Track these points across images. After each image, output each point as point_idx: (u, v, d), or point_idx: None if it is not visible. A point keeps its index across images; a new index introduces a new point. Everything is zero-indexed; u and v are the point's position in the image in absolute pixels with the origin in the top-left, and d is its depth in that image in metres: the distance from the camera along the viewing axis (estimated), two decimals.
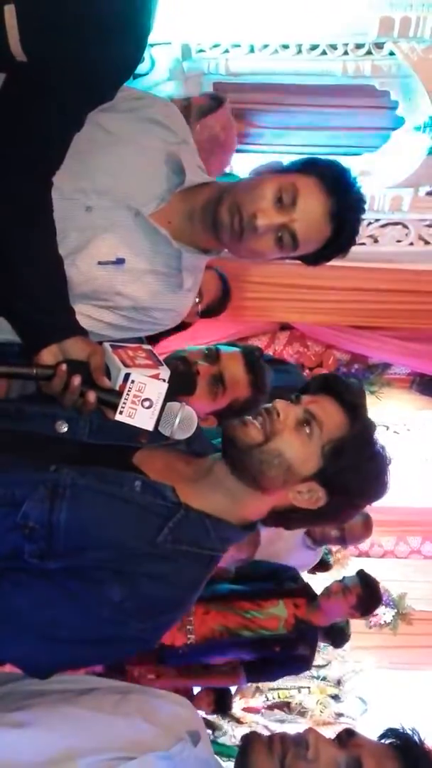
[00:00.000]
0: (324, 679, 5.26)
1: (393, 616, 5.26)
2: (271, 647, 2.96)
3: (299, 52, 3.10)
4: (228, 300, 2.94)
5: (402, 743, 0.98)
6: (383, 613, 5.24)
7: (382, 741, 1.00)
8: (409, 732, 1.00)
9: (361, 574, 3.30)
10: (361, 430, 1.17)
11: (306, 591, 3.16)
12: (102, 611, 1.10)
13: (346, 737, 0.98)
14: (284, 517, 1.22)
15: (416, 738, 0.99)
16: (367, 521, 3.52)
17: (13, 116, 1.16)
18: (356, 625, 5.01)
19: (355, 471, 1.16)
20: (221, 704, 3.73)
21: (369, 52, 3.09)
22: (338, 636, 3.77)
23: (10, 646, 1.14)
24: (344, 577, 3.32)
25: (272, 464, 1.14)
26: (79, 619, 1.11)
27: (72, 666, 1.18)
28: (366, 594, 3.23)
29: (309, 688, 4.99)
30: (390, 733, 1.00)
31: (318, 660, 5.24)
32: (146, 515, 1.14)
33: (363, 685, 5.23)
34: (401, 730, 1.00)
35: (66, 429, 1.22)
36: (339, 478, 1.16)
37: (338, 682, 5.28)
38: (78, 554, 1.11)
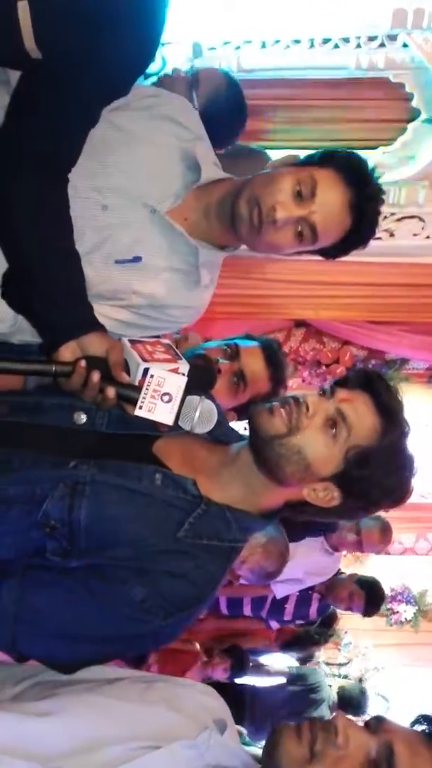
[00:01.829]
0: (345, 677, 5.24)
1: (414, 614, 5.22)
2: None
3: (311, 46, 3.10)
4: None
5: None
6: (404, 611, 5.21)
7: (414, 727, 0.99)
8: None
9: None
10: (391, 441, 1.12)
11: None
12: (123, 610, 1.11)
13: (376, 723, 0.97)
14: (295, 510, 1.20)
15: None
16: (384, 529, 3.51)
17: (29, 112, 1.17)
18: (377, 622, 5.00)
19: (376, 482, 1.13)
20: (237, 667, 3.84)
21: (382, 45, 3.07)
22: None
23: (34, 644, 1.15)
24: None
25: (291, 460, 1.12)
26: (101, 618, 1.11)
27: (94, 661, 1.18)
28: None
29: (330, 686, 4.97)
30: (422, 719, 0.99)
31: (339, 658, 5.23)
32: (166, 510, 1.14)
33: (384, 683, 5.20)
34: None
35: (85, 420, 1.21)
36: (358, 485, 1.13)
37: (359, 680, 5.26)
38: (99, 552, 1.12)
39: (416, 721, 0.99)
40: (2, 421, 1.23)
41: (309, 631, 4.24)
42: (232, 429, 1.31)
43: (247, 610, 3.68)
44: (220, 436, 1.25)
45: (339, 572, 3.79)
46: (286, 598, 3.58)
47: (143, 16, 1.14)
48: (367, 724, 0.99)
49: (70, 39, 1.12)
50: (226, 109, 2.42)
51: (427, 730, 0.98)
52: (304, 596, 3.64)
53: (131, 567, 1.11)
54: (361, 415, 1.12)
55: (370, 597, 3.65)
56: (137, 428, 1.19)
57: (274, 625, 3.90)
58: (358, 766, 0.93)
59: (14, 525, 1.12)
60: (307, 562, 3.34)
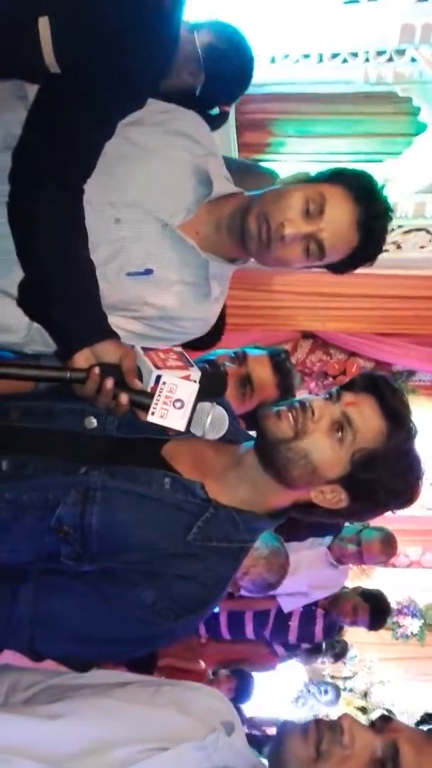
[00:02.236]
0: (350, 690, 5.21)
1: (420, 627, 5.20)
2: None
3: (320, 60, 3.13)
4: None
5: None
6: (410, 624, 5.19)
7: (419, 727, 1.00)
8: None
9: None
10: (397, 443, 1.13)
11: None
12: (135, 612, 1.13)
13: (382, 723, 0.98)
14: (303, 511, 1.22)
15: None
16: (386, 540, 3.44)
17: (47, 124, 1.20)
18: (382, 636, 4.98)
19: (383, 485, 1.14)
20: (242, 689, 3.71)
21: (390, 59, 3.10)
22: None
23: (50, 645, 1.17)
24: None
25: (297, 463, 1.13)
26: (113, 620, 1.14)
27: (107, 660, 1.21)
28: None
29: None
30: (428, 718, 1.00)
31: (345, 671, 5.20)
32: (176, 513, 1.16)
33: (390, 697, 5.17)
34: None
35: (95, 424, 1.24)
36: (365, 487, 1.14)
37: (365, 694, 5.24)
38: (111, 556, 1.14)
39: (422, 720, 1.00)
40: (14, 426, 1.26)
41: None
42: (239, 428, 1.32)
43: (249, 630, 3.46)
44: (228, 435, 1.27)
45: (343, 587, 3.65)
46: (289, 615, 3.41)
47: (158, 32, 1.17)
48: (372, 723, 1.00)
49: (88, 54, 1.14)
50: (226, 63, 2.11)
51: None
52: (308, 612, 3.46)
53: (142, 570, 1.13)
54: (366, 418, 1.13)
55: (375, 610, 3.53)
56: (147, 432, 1.20)
57: (280, 650, 3.65)
58: (364, 765, 0.94)
59: (29, 530, 1.14)
60: (311, 575, 3.29)
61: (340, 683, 5.12)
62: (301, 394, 4.40)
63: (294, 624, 3.38)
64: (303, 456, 1.13)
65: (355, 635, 4.77)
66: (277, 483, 1.16)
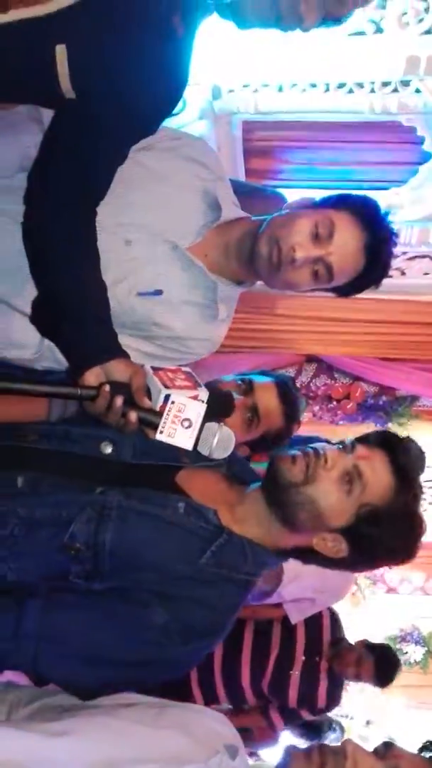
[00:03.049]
0: (352, 718, 5.13)
1: (423, 655, 5.13)
2: None
3: (327, 90, 3.18)
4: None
5: None
6: (413, 652, 5.13)
7: (421, 753, 0.99)
8: None
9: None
10: (403, 503, 1.15)
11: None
12: (145, 634, 1.13)
13: (384, 749, 0.98)
14: (303, 556, 1.24)
15: None
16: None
17: (61, 150, 1.23)
18: None
19: (383, 541, 1.16)
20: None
21: (395, 90, 3.15)
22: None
23: (54, 665, 1.15)
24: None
25: (304, 507, 1.15)
26: (121, 641, 1.13)
27: (112, 688, 1.18)
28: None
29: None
30: (429, 744, 1.00)
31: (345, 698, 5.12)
32: (189, 538, 1.17)
33: (392, 725, 5.10)
34: None
35: (111, 450, 1.25)
36: (366, 541, 1.16)
37: (367, 723, 5.16)
38: (123, 576, 1.14)
39: (424, 747, 1.00)
40: (30, 447, 1.27)
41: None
42: (250, 468, 1.34)
43: (245, 675, 2.86)
44: (238, 473, 1.29)
45: (344, 640, 3.07)
46: (291, 664, 2.89)
47: (173, 60, 1.20)
48: (376, 749, 1.00)
49: (104, 82, 1.17)
50: None
51: None
52: (312, 666, 2.94)
53: (154, 591, 1.13)
54: (377, 473, 1.15)
55: (381, 662, 3.09)
56: (161, 459, 1.22)
57: (278, 723, 2.99)
58: None
59: (40, 547, 1.15)
60: (315, 580, 3.10)
61: (342, 711, 5.05)
62: (305, 417, 4.41)
63: (295, 675, 2.89)
64: (310, 501, 1.15)
65: None
66: (281, 524, 1.18)
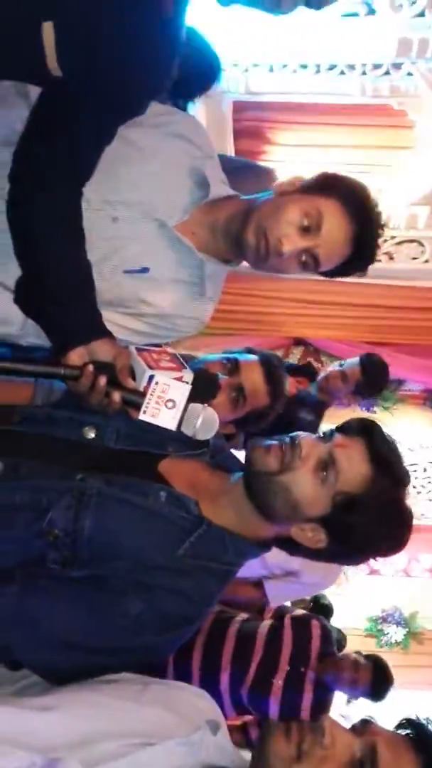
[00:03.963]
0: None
1: (404, 635, 5.21)
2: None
3: (318, 71, 3.17)
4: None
5: (417, 732, 1.00)
6: (394, 633, 5.20)
7: (398, 731, 1.02)
8: (424, 722, 1.01)
9: (363, 358, 2.93)
10: (381, 491, 1.13)
11: (307, 370, 2.92)
12: (119, 621, 1.13)
13: (362, 726, 1.00)
14: (286, 546, 1.23)
15: (431, 728, 1.01)
16: None
17: (48, 128, 1.21)
18: (367, 643, 4.98)
19: (362, 530, 1.13)
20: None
21: (387, 73, 3.14)
22: (321, 611, 3.24)
23: (28, 651, 1.16)
24: (342, 362, 3.02)
25: (278, 496, 1.14)
26: (96, 628, 1.13)
27: (84, 675, 1.17)
28: (367, 381, 2.89)
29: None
30: (406, 722, 1.02)
31: None
32: (169, 528, 1.17)
33: (373, 705, 5.17)
34: (417, 720, 1.02)
35: (94, 435, 1.24)
36: (344, 530, 1.14)
37: (347, 702, 5.24)
38: (100, 564, 1.14)
39: (401, 725, 1.02)
40: (12, 430, 1.26)
41: None
42: (234, 457, 1.34)
43: (224, 679, 2.56)
44: (221, 461, 1.29)
45: (335, 654, 2.79)
46: (275, 671, 2.63)
47: (162, 40, 1.19)
48: (353, 726, 1.02)
49: (91, 59, 1.15)
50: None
51: (411, 734, 1.00)
52: (297, 675, 2.68)
53: (130, 580, 1.13)
54: (352, 461, 1.14)
55: (378, 670, 2.89)
56: (144, 445, 1.22)
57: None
58: (343, 765, 0.96)
59: (18, 532, 1.14)
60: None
61: None
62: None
63: (278, 683, 2.63)
64: (284, 489, 1.14)
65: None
66: (259, 515, 1.18)
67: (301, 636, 2.72)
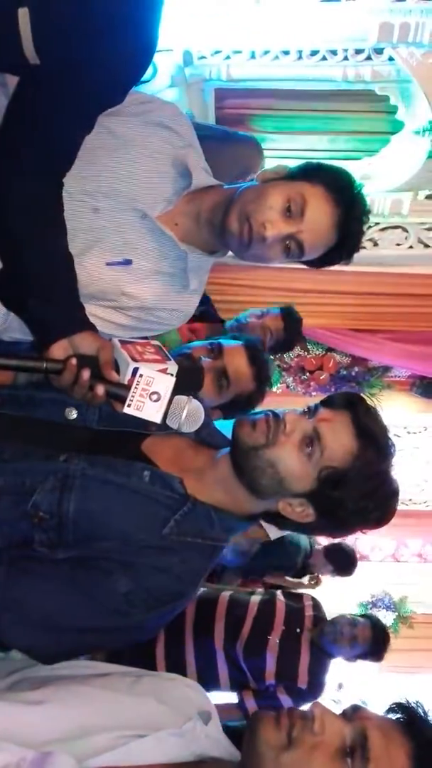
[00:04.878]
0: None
1: (394, 620, 5.26)
2: None
3: (299, 57, 3.14)
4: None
5: (407, 717, 1.01)
6: (384, 617, 5.25)
7: (388, 715, 1.02)
8: (414, 705, 1.02)
9: (284, 310, 2.78)
10: (366, 463, 1.12)
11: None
12: (107, 602, 1.13)
13: (352, 712, 1.01)
14: (274, 521, 1.24)
15: (421, 711, 1.01)
16: None
17: (27, 118, 1.19)
18: None
19: (348, 504, 1.14)
20: None
21: (368, 58, 3.12)
22: (342, 559, 3.40)
23: (17, 633, 1.16)
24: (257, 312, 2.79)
25: (265, 472, 1.15)
26: (85, 609, 1.14)
27: (76, 653, 1.20)
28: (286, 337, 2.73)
29: None
30: (396, 707, 1.02)
31: None
32: (153, 506, 1.17)
33: (364, 689, 5.22)
34: (407, 704, 1.02)
35: (75, 416, 1.24)
36: (331, 504, 1.14)
37: (339, 686, 5.29)
38: (86, 544, 1.14)
39: (390, 710, 1.02)
40: None
41: None
42: (219, 432, 1.33)
43: (218, 642, 2.52)
44: (207, 437, 1.28)
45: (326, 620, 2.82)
46: (269, 630, 2.59)
47: (139, 26, 1.17)
48: (344, 712, 1.02)
49: (68, 47, 1.14)
50: None
51: (401, 718, 1.01)
52: (292, 638, 2.63)
53: (117, 560, 1.13)
54: (337, 435, 1.13)
55: (377, 630, 2.89)
56: (127, 425, 1.21)
57: (252, 709, 2.49)
58: (334, 751, 0.96)
59: (3, 515, 1.14)
60: None
61: None
62: (279, 389, 4.41)
63: (274, 641, 2.58)
64: (270, 465, 1.14)
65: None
66: (246, 490, 1.18)
67: (294, 604, 2.78)
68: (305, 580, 3.84)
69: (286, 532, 2.77)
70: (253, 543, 2.64)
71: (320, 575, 3.74)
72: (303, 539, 3.50)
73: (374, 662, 3.07)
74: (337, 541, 3.34)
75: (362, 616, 2.99)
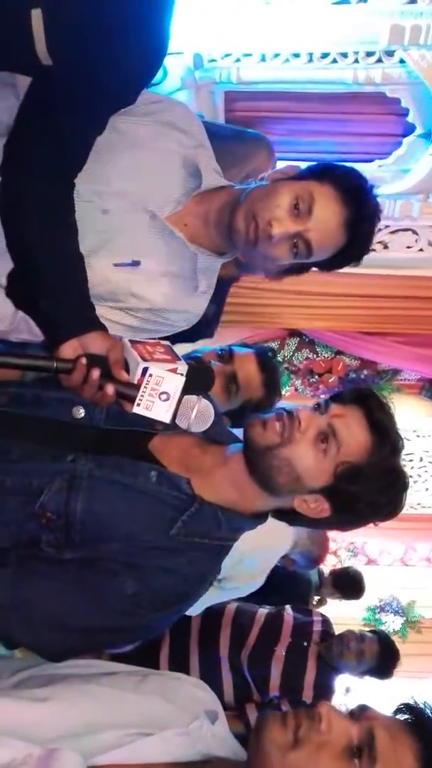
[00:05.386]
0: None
1: (402, 624, 5.24)
2: None
3: (310, 60, 3.14)
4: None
5: (415, 717, 1.00)
6: (392, 622, 5.23)
7: (396, 716, 1.02)
8: (422, 706, 1.01)
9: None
10: (381, 458, 1.14)
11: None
12: (115, 603, 1.13)
13: (359, 711, 1.00)
14: (287, 517, 1.24)
15: (429, 712, 1.01)
16: None
17: (38, 119, 1.20)
18: None
19: (365, 498, 1.15)
20: None
21: (379, 60, 3.12)
22: (350, 585, 3.38)
23: (26, 633, 1.16)
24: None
25: (282, 471, 1.15)
26: (91, 609, 1.14)
27: (83, 651, 1.20)
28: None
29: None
30: (403, 707, 1.02)
31: None
32: (160, 507, 1.17)
33: (371, 694, 5.20)
34: (414, 705, 1.02)
35: (83, 414, 1.24)
36: (347, 499, 1.15)
37: (346, 690, 5.27)
38: (93, 545, 1.14)
39: (398, 710, 1.02)
40: (1, 411, 1.26)
41: None
42: (226, 429, 1.33)
43: (224, 650, 2.49)
44: (215, 435, 1.27)
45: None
46: (276, 641, 2.54)
47: (151, 26, 1.17)
48: (351, 711, 1.02)
49: (81, 48, 1.14)
50: None
51: (409, 719, 1.01)
52: (298, 651, 2.59)
53: (124, 561, 1.13)
54: (352, 431, 1.14)
55: (385, 644, 2.84)
56: (134, 425, 1.21)
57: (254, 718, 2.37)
58: (340, 751, 0.96)
59: (10, 516, 1.15)
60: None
61: None
62: (287, 392, 4.41)
63: (280, 652, 2.54)
64: (287, 464, 1.14)
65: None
66: (261, 489, 1.18)
67: (303, 617, 2.74)
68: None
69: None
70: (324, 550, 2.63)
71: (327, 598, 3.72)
72: (313, 574, 3.41)
73: (382, 680, 3.01)
74: (344, 566, 3.32)
75: (371, 631, 2.94)
